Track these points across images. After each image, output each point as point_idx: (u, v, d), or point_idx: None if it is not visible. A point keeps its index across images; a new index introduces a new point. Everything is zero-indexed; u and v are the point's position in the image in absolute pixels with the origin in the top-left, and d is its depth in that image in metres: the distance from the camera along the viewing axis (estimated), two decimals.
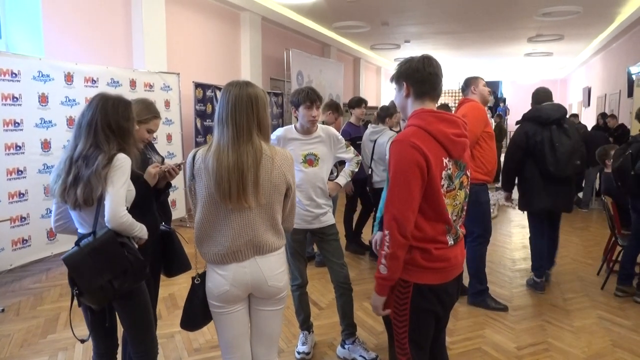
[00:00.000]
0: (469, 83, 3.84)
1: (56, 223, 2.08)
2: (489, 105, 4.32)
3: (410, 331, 1.85)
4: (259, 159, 1.79)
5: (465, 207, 1.93)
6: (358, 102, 5.33)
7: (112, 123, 1.96)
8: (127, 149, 1.99)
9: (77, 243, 1.91)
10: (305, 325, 3.11)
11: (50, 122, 4.66)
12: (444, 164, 1.75)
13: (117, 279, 1.92)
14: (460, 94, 4.66)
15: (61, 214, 2.06)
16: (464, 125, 1.85)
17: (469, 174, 1.92)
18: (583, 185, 7.89)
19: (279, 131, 2.90)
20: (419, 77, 1.80)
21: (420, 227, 1.76)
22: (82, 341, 2.08)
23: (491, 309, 3.73)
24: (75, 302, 1.97)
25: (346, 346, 3.03)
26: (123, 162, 1.92)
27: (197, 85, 6.73)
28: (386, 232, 1.73)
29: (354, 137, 4.97)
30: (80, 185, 1.86)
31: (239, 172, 1.75)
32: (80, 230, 2.02)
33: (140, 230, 2.01)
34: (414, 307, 1.82)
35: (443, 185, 1.76)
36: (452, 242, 1.84)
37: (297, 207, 2.80)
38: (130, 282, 1.96)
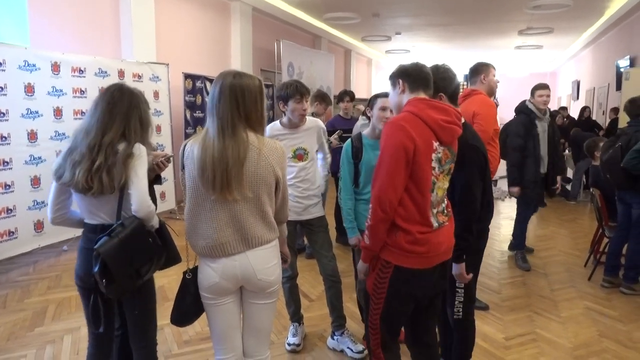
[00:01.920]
0: (479, 70, 3.56)
1: (56, 213, 2.02)
2: None
3: (384, 311, 1.98)
4: (244, 153, 1.76)
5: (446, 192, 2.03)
6: (341, 95, 5.29)
7: (144, 118, 2.03)
8: (146, 143, 2.05)
9: (108, 233, 1.88)
10: (296, 317, 3.12)
11: (36, 112, 4.59)
12: (434, 147, 1.87)
13: (144, 266, 1.96)
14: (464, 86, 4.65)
15: (62, 203, 2.02)
16: (456, 115, 1.95)
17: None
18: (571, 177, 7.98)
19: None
20: (412, 72, 1.97)
21: (406, 206, 1.87)
22: (100, 331, 2.03)
23: None
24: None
25: (335, 337, 3.04)
26: (143, 152, 1.96)
27: (187, 76, 6.67)
28: (370, 205, 1.88)
29: (344, 130, 4.96)
30: (104, 171, 1.87)
31: (223, 165, 1.73)
32: (88, 221, 2.01)
33: (156, 220, 2.04)
34: (392, 288, 1.94)
35: (434, 167, 1.88)
36: (437, 225, 1.93)
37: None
38: (153, 269, 2.01)
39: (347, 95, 5.28)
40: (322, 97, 4.96)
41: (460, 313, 2.41)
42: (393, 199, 1.83)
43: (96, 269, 1.85)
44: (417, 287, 1.95)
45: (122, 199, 1.95)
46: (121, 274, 1.88)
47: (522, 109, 4.47)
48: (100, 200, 1.94)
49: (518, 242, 4.77)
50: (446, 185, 1.99)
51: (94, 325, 2.04)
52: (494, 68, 3.61)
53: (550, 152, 4.45)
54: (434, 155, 1.87)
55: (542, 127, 4.39)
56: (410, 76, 1.96)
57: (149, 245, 1.97)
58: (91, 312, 2.03)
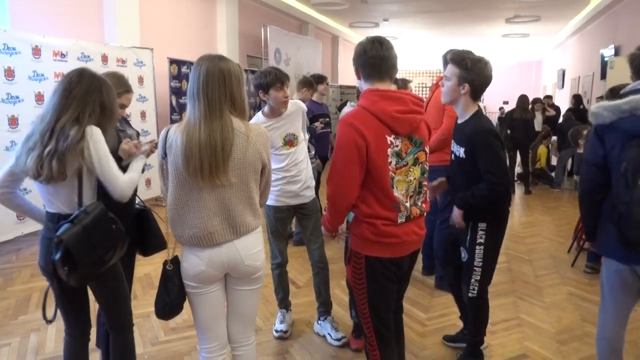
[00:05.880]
0: None
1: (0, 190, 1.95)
2: None
3: (369, 299, 1.98)
4: (232, 137, 1.74)
5: (424, 184, 1.99)
6: (319, 78, 5.25)
7: (106, 103, 1.95)
8: (108, 129, 1.96)
9: (71, 220, 1.84)
10: (284, 303, 3.12)
11: (17, 97, 4.49)
12: (389, 142, 1.82)
13: (108, 253, 1.91)
14: (440, 73, 4.50)
15: (9, 183, 1.94)
16: (414, 102, 1.88)
17: (427, 150, 1.97)
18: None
19: None
20: (362, 61, 1.88)
21: (369, 204, 1.86)
22: (49, 322, 2.01)
23: None
24: (43, 282, 1.92)
25: (320, 322, 3.07)
26: (96, 133, 1.87)
27: (172, 62, 6.56)
28: (326, 201, 1.94)
29: (317, 115, 4.95)
30: (55, 158, 1.80)
31: (211, 149, 1.70)
32: (48, 209, 1.95)
33: (137, 169, 2.06)
34: (369, 277, 1.95)
35: (391, 162, 1.83)
36: (403, 220, 1.89)
37: (280, 184, 2.78)
38: (117, 255, 1.97)
39: (323, 79, 5.29)
40: (309, 84, 4.95)
41: (475, 291, 2.48)
42: (348, 198, 1.86)
43: (57, 256, 1.80)
44: (391, 274, 1.95)
45: (82, 186, 1.89)
46: (85, 261, 1.84)
47: None
48: (56, 188, 1.88)
49: None
50: (412, 176, 1.91)
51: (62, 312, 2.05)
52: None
53: None
54: (389, 150, 1.82)
55: None
56: (362, 64, 1.88)
57: (112, 231, 1.93)
58: (55, 300, 2.02)
